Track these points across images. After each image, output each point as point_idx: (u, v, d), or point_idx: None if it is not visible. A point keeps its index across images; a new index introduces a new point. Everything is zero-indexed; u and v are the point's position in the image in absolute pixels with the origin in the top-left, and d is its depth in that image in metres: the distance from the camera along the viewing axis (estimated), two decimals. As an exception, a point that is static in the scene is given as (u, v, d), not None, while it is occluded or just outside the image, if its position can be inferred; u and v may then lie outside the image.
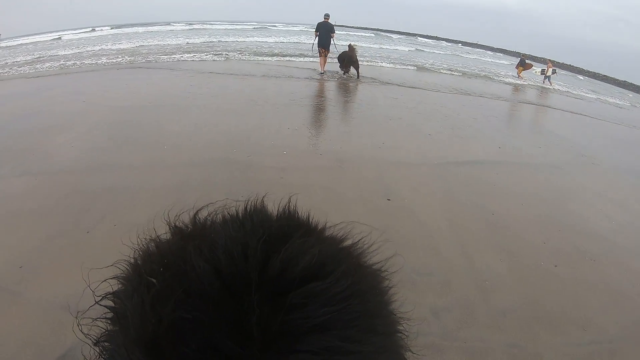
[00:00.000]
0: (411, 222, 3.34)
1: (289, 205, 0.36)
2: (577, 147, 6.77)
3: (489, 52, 36.80)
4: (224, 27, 30.12)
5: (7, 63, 11.87)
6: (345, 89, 9.51)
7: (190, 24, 33.26)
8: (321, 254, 0.27)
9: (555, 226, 3.62)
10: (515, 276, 2.82)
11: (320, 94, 8.70)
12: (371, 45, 21.86)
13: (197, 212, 0.35)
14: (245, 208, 0.35)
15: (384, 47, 22.78)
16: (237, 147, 4.60)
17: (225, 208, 0.35)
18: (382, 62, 14.97)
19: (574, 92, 16.71)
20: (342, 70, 10.65)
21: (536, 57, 27.98)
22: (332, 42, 10.24)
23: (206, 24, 35.63)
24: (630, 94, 23.02)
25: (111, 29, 28.09)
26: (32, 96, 6.94)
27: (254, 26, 33.65)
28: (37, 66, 10.77)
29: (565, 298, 2.66)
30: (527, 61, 17.97)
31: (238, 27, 32.24)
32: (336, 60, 10.68)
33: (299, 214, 0.36)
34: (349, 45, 10.55)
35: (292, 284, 0.25)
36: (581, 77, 28.30)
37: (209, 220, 0.33)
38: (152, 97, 7.00)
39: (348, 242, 0.34)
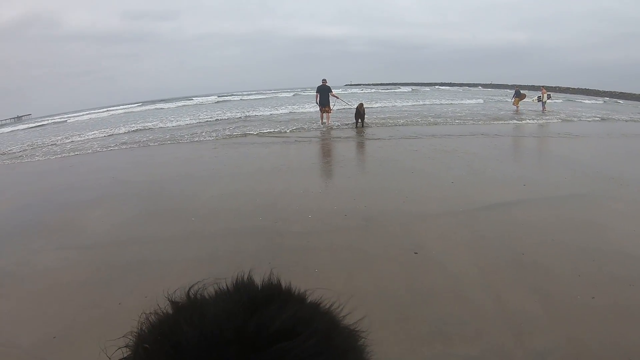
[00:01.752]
0: (439, 273, 3.39)
1: (270, 277, 0.43)
2: (602, 170, 6.62)
3: (508, 90, 37.29)
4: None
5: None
6: (365, 146, 10.06)
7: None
8: (295, 317, 0.32)
9: (588, 256, 3.52)
10: (551, 315, 2.75)
11: (341, 154, 9.20)
12: (394, 104, 23.06)
13: (190, 287, 0.41)
14: (235, 281, 0.42)
15: (400, 103, 23.90)
16: (264, 214, 4.95)
17: (218, 282, 0.43)
18: (400, 119, 15.71)
19: (584, 115, 17.71)
20: (355, 120, 13.02)
21: (535, 86, 28.58)
22: (331, 99, 13.16)
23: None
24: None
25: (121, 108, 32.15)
26: (63, 172, 7.94)
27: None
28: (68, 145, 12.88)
29: (607, 330, 2.56)
30: (521, 92, 19.40)
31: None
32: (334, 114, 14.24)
33: (282, 283, 0.42)
34: (360, 104, 12.98)
35: (266, 344, 0.29)
36: (597, 100, 27.81)
37: (203, 294, 0.40)
38: (177, 169, 7.88)
39: (323, 306, 0.39)
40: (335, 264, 3.66)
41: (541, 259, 3.54)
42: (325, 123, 13.35)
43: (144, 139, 12.67)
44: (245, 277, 0.42)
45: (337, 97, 14.02)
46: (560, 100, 26.69)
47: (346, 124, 13.69)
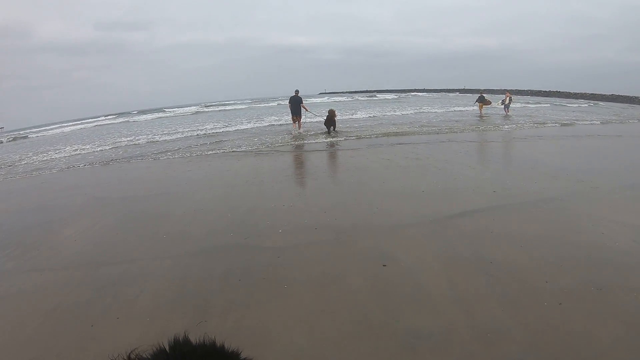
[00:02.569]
0: (407, 285, 3.33)
1: (205, 337, 0.47)
2: (572, 173, 6.83)
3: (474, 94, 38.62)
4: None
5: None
6: (337, 156, 10.13)
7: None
8: None
9: (557, 262, 3.54)
10: (519, 323, 2.72)
11: (314, 165, 9.19)
12: (364, 115, 23.21)
13: (131, 351, 0.46)
14: (172, 341, 0.45)
15: (375, 112, 24.16)
16: (235, 230, 4.82)
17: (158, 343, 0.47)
18: (375, 127, 16.15)
19: (552, 116, 18.73)
20: (327, 128, 14.14)
21: (504, 90, 29.81)
22: (302, 109, 14.48)
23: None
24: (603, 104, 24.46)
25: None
26: (34, 191, 7.66)
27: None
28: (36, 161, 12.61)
29: (573, 336, 2.54)
30: (485, 97, 20.16)
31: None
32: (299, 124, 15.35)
33: (217, 342, 0.46)
34: (330, 110, 14.28)
35: None
36: (581, 103, 28.96)
37: (141, 355, 0.44)
38: (150, 186, 7.76)
39: None
40: (304, 279, 3.55)
41: (509, 265, 3.54)
42: (297, 129, 14.91)
43: (117, 156, 12.31)
44: (181, 337, 0.45)
45: (307, 110, 15.14)
46: (548, 105, 27.58)
47: (320, 131, 14.82)
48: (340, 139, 13.15)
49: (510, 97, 19.59)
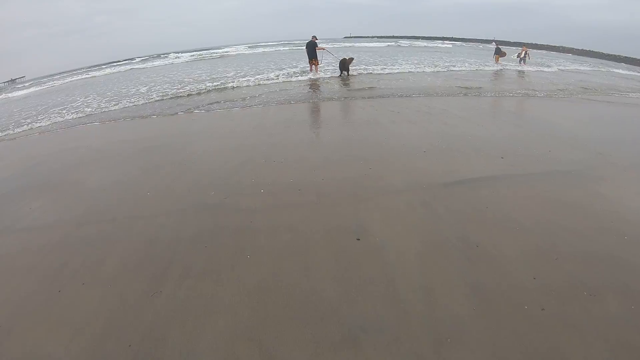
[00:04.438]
0: (376, 264, 3.02)
1: None
2: (591, 142, 5.93)
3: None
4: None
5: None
6: (346, 107, 9.45)
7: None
8: None
9: (552, 254, 3.05)
10: (487, 326, 2.37)
11: (319, 117, 8.65)
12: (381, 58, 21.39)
13: None
14: None
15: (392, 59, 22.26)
16: (217, 188, 4.60)
17: None
18: (388, 70, 15.72)
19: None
20: (340, 72, 15.00)
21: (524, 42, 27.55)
22: (317, 53, 14.74)
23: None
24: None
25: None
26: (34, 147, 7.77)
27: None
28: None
29: (550, 355, 2.20)
30: (501, 49, 20.74)
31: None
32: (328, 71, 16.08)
33: None
34: (346, 58, 15.30)
35: None
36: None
37: None
38: (143, 139, 7.49)
39: None
40: (270, 249, 3.32)
41: (496, 252, 3.10)
42: (314, 72, 15.10)
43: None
44: None
45: (324, 49, 15.45)
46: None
47: (335, 76, 15.10)
48: (355, 87, 12.31)
49: (526, 51, 20.23)
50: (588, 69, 24.06)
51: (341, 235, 3.45)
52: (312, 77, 14.55)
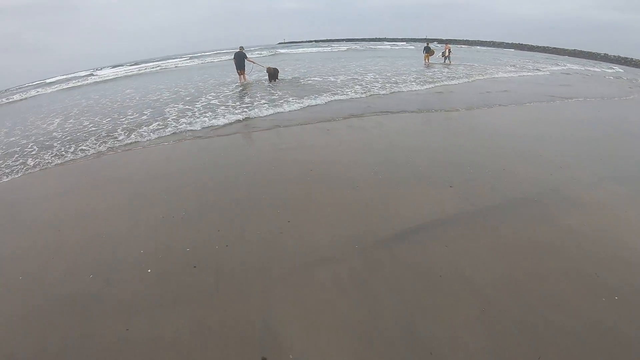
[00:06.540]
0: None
1: None
2: (554, 157, 5.39)
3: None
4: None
5: None
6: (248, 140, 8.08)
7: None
8: None
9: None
10: None
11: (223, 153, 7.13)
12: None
13: None
14: None
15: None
16: (95, 268, 3.27)
17: None
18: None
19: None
20: (270, 81, 14.66)
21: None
22: (246, 63, 14.68)
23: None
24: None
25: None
26: None
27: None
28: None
29: None
30: (431, 48, 20.88)
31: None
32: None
33: None
34: (271, 68, 14.91)
35: None
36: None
37: None
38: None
39: None
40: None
41: (463, 356, 2.17)
42: (243, 82, 14.80)
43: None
44: None
45: (254, 62, 15.40)
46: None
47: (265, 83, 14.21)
48: (281, 93, 11.20)
49: (449, 49, 21.06)
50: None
51: (241, 357, 2.30)
52: (243, 82, 14.75)
